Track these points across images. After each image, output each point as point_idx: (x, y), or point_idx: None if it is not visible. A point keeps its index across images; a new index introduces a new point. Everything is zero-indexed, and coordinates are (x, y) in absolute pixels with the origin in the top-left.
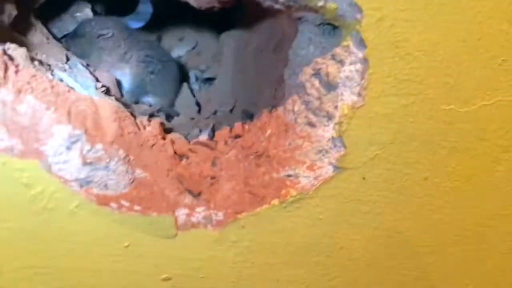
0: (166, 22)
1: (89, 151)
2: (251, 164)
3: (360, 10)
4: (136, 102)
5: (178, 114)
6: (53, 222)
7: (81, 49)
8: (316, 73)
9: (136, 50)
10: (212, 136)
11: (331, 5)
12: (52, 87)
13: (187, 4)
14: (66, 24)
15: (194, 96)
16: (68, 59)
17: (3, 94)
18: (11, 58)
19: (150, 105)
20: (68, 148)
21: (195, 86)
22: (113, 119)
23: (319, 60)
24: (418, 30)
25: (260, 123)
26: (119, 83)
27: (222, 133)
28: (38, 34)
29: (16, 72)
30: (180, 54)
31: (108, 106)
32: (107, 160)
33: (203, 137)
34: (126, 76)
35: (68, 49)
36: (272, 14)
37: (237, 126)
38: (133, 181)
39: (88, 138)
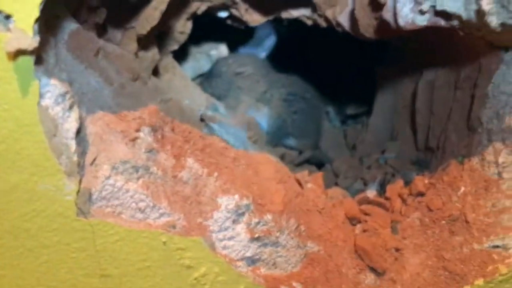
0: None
1: (257, 223)
2: (444, 232)
3: None
4: (276, 145)
5: (330, 161)
6: None
7: (217, 89)
8: None
9: (276, 88)
10: (381, 191)
11: None
12: (210, 144)
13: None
14: (201, 63)
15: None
16: (208, 103)
17: (162, 159)
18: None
19: (292, 148)
20: (235, 221)
21: (335, 123)
22: (277, 180)
23: None
24: None
25: (448, 178)
26: (258, 125)
27: (395, 187)
28: (177, 77)
29: (173, 129)
30: None
31: (268, 163)
32: (277, 234)
33: (371, 192)
34: (265, 117)
35: (204, 90)
36: (462, 43)
37: (418, 180)
38: (304, 257)
39: (256, 207)
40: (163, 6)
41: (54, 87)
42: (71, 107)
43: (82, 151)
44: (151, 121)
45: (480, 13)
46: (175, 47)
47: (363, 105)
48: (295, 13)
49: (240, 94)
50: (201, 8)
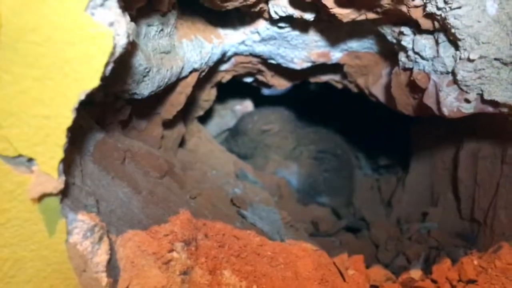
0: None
1: None
2: None
3: None
4: (307, 203)
5: (368, 227)
6: None
7: (244, 148)
8: None
9: (305, 145)
10: (426, 269)
11: None
12: (245, 246)
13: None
14: (226, 119)
15: (379, 191)
16: (236, 169)
17: (197, 276)
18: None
19: (324, 205)
20: None
21: (366, 170)
22: (318, 280)
23: None
24: None
25: (501, 263)
26: (288, 184)
27: (442, 269)
28: (203, 141)
29: (206, 234)
30: None
31: (306, 256)
32: None
33: (416, 272)
34: (295, 175)
35: (230, 148)
36: (507, 120)
37: (466, 264)
38: None
39: None
40: (188, 90)
41: (81, 223)
42: (100, 239)
43: (113, 280)
44: (183, 234)
45: None
46: (200, 113)
47: (395, 154)
48: (324, 77)
49: (268, 152)
50: (226, 77)
